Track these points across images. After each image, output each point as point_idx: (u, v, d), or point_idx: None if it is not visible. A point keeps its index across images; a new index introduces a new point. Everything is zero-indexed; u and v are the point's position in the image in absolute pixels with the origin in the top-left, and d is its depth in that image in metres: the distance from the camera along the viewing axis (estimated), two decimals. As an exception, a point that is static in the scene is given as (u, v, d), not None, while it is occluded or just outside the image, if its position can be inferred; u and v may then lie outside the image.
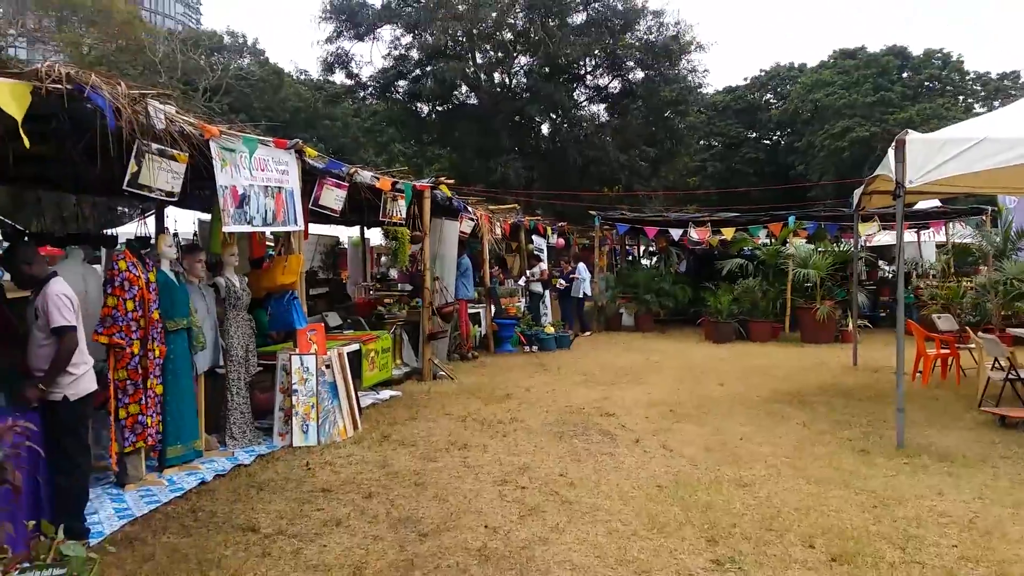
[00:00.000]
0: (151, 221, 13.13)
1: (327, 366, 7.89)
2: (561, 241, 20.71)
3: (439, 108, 24.57)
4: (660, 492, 6.13)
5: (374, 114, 27.34)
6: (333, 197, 8.63)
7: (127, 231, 12.67)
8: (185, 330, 6.71)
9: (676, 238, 19.32)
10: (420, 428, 8.25)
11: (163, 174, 5.89)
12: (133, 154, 5.61)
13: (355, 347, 8.90)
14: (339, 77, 26.73)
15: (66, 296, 4.76)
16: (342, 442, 7.63)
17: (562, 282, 17.92)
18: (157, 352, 6.31)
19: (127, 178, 5.64)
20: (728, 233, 18.69)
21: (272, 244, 11.31)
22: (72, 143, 4.91)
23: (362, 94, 25.18)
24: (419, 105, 24.81)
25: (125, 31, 36.85)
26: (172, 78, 31.45)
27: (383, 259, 25.00)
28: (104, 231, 12.96)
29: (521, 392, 10.42)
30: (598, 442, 7.72)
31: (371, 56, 57.62)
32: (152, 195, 5.86)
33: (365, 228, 20.02)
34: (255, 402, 8.45)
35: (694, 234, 18.71)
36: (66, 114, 4.58)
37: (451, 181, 11.92)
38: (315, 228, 19.62)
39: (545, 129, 25.37)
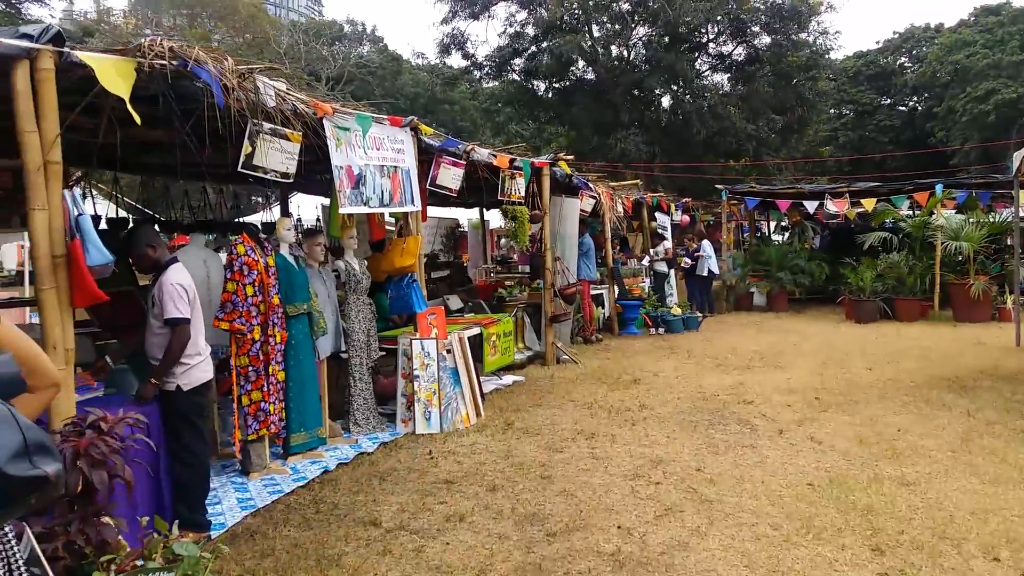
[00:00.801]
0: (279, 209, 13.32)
1: (448, 351, 7.63)
2: (686, 218, 19.88)
3: (555, 85, 24.05)
4: (812, 491, 5.52)
5: (490, 96, 27.09)
6: (450, 176, 8.34)
7: (259, 219, 12.87)
8: (306, 315, 6.56)
9: (811, 211, 18.17)
10: (544, 416, 7.89)
11: (276, 154, 5.71)
12: (246, 135, 5.45)
13: (476, 331, 8.62)
14: (456, 59, 26.74)
15: (181, 286, 4.60)
16: (465, 430, 7.35)
17: (687, 260, 17.15)
18: (278, 338, 6.17)
19: (241, 159, 5.50)
20: (868, 204, 17.39)
21: (392, 227, 11.20)
22: (182, 124, 4.73)
23: (478, 75, 24.95)
24: (535, 83, 24.35)
25: (251, 25, 38.15)
26: (296, 69, 32.26)
27: (502, 241, 24.84)
28: (235, 219, 13.25)
29: (649, 377, 9.90)
30: (737, 433, 7.14)
31: (486, 35, 57.55)
32: (267, 176, 5.69)
33: (484, 210, 19.86)
34: (379, 387, 8.31)
35: (831, 206, 17.51)
36: (172, 92, 4.39)
37: (570, 157, 11.45)
38: (435, 211, 19.60)
39: (666, 102, 24.46)
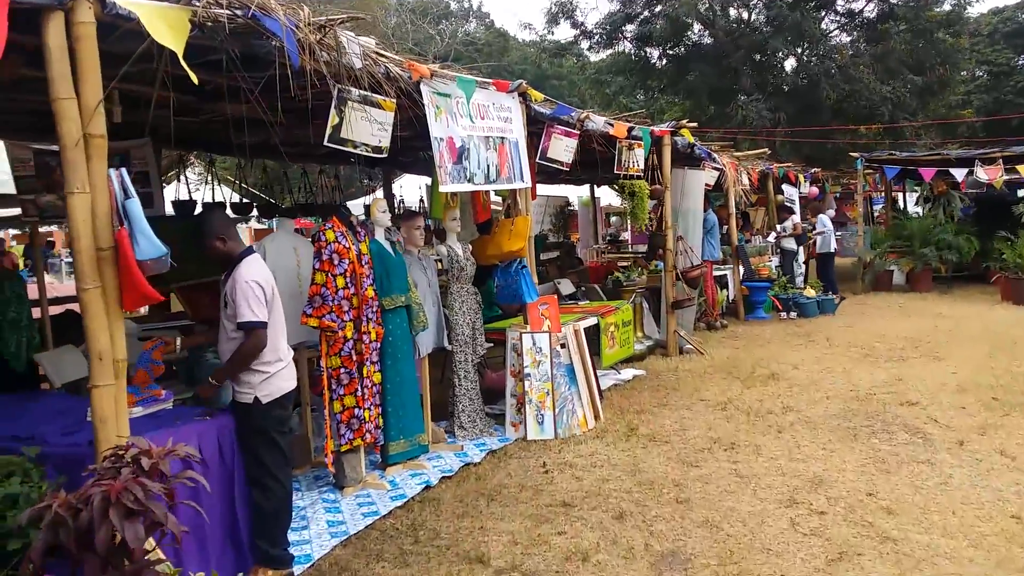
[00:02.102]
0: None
1: (562, 345, 6.78)
2: (814, 190, 18.32)
3: (669, 52, 22.66)
4: (1021, 527, 4.41)
5: (599, 70, 25.90)
6: (562, 148, 7.45)
7: (362, 203, 12.25)
8: (404, 308, 5.83)
9: (959, 179, 16.35)
10: (672, 418, 6.95)
11: (366, 125, 4.96)
12: (333, 103, 4.73)
13: (592, 321, 7.73)
14: (564, 30, 25.62)
15: (257, 284, 3.89)
16: (582, 435, 6.51)
17: (831, 236, 15.71)
18: (373, 335, 5.46)
19: (328, 132, 4.78)
20: (1024, 171, 15.44)
21: (499, 207, 10.41)
22: (249, 88, 4.01)
23: (587, 44, 23.81)
24: (648, 50, 23.00)
25: (359, 6, 38.14)
26: (403, 49, 31.91)
27: (613, 219, 23.76)
28: (339, 203, 12.72)
29: (788, 371, 8.78)
30: (906, 444, 6.02)
31: (596, 2, 55.68)
32: (356, 151, 4.95)
33: (595, 186, 18.88)
34: (487, 382, 7.58)
35: (982, 174, 15.65)
36: (238, 51, 3.66)
37: (693, 124, 10.35)
38: (543, 188, 18.75)
39: (789, 65, 22.73)
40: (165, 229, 8.41)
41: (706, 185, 11.59)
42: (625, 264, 13.57)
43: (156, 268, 3.32)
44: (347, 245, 5.30)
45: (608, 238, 21.10)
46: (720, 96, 21.82)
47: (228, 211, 9.25)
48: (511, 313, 7.46)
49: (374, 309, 5.50)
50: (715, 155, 11.60)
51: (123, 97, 5.09)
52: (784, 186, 16.44)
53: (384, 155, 5.21)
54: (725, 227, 13.66)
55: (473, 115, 5.99)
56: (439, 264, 6.80)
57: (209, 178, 9.35)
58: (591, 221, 19.95)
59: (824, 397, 7.56)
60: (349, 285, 5.28)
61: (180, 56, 3.23)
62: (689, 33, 22.69)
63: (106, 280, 3.20)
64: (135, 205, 3.24)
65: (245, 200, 10.29)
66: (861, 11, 22.93)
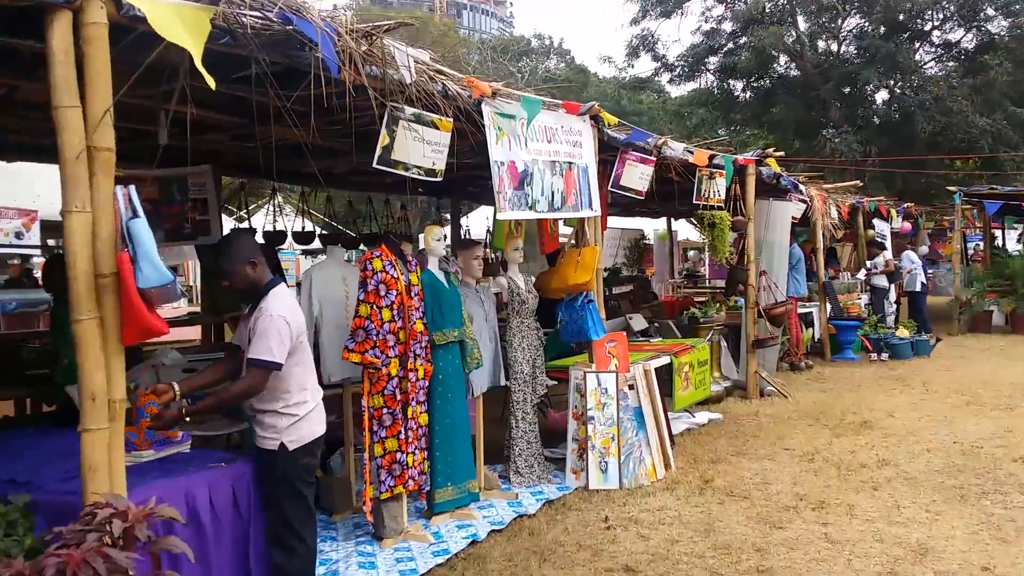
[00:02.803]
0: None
1: (630, 386, 6.25)
2: (907, 226, 17.29)
3: (754, 84, 21.94)
4: None
5: (680, 104, 25.30)
6: (637, 175, 6.97)
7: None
8: (457, 343, 5.41)
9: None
10: (752, 470, 6.31)
11: (419, 146, 4.61)
12: (384, 122, 4.39)
13: (665, 360, 7.16)
14: (645, 63, 25.29)
15: (286, 321, 3.46)
16: (650, 486, 5.93)
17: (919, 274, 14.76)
18: (421, 372, 5.05)
19: (378, 153, 4.44)
20: None
21: (567, 237, 9.95)
22: (281, 100, 3.67)
23: (668, 77, 23.28)
24: (732, 83, 22.34)
25: (441, 44, 38.54)
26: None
27: (690, 254, 22.99)
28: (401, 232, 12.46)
29: (882, 419, 8.01)
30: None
31: (679, 33, 54.99)
32: (409, 173, 4.60)
33: (672, 220, 18.25)
34: (548, 423, 7.12)
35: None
36: (270, 59, 3.32)
37: (780, 153, 9.73)
38: (617, 221, 18.20)
39: (880, 98, 21.74)
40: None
41: (792, 218, 10.93)
42: (702, 300, 12.91)
43: (163, 297, 2.97)
44: (395, 275, 4.93)
45: (685, 272, 20.38)
46: (807, 130, 20.96)
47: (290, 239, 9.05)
48: (576, 351, 6.96)
49: (423, 345, 5.09)
50: (802, 186, 10.91)
51: (175, 121, 4.90)
52: (875, 220, 15.53)
53: (438, 178, 4.84)
54: (811, 262, 12.90)
55: (538, 138, 5.58)
56: (499, 297, 6.38)
57: (273, 207, 9.18)
58: (667, 255, 19.29)
59: (924, 450, 6.80)
60: (396, 318, 4.90)
61: (198, 59, 2.90)
62: (775, 65, 21.94)
63: (105, 310, 2.86)
64: (141, 226, 2.90)
65: (312, 230, 10.11)
66: (958, 42, 21.83)
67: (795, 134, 21.81)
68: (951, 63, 22.30)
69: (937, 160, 20.49)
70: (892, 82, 20.96)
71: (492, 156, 5.10)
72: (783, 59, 22.24)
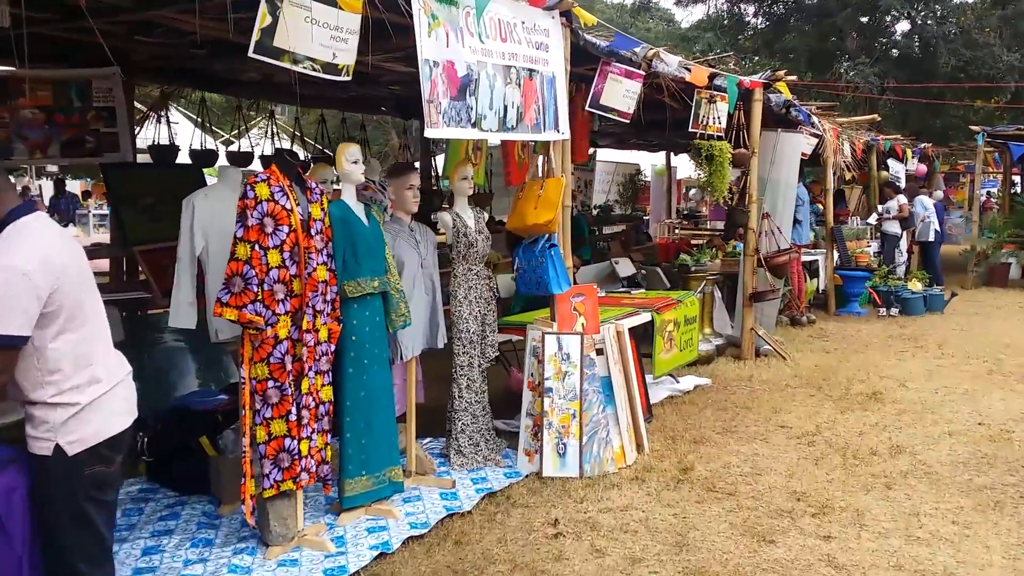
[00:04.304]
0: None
1: (598, 351, 5.14)
2: (922, 168, 16.00)
3: (767, 9, 20.33)
4: None
5: (689, 30, 23.65)
6: (621, 92, 5.73)
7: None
8: (378, 296, 4.27)
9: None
10: (740, 455, 5.25)
11: (311, 30, 3.40)
12: (262, -1, 3.19)
13: (644, 318, 6.03)
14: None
15: (22, 271, 2.29)
16: (616, 475, 4.88)
17: (932, 221, 13.56)
18: (324, 334, 3.93)
19: (254, 38, 3.25)
20: None
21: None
22: None
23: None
24: (742, 6, 20.73)
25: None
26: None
27: (691, 192, 21.66)
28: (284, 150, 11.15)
29: (893, 389, 6.93)
30: (1080, 526, 4.20)
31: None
32: (298, 67, 3.41)
33: (672, 154, 16.95)
34: (509, 384, 6.08)
35: None
36: None
37: (792, 78, 8.44)
38: (610, 154, 16.90)
39: (901, 28, 20.16)
40: (132, 178, 6.96)
41: (803, 155, 9.67)
42: (699, 243, 11.74)
43: None
44: (288, 206, 3.76)
45: (686, 212, 19.15)
46: (821, 60, 19.45)
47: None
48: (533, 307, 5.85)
49: (328, 298, 3.95)
50: (815, 118, 9.62)
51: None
52: (890, 161, 14.25)
53: (344, 77, 3.64)
54: (818, 205, 11.70)
55: (489, 34, 4.34)
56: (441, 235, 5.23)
57: (201, 123, 7.91)
58: (665, 193, 18.06)
59: (945, 432, 5.74)
60: (288, 263, 3.75)
61: None
62: (791, -11, 20.33)
63: None
64: None
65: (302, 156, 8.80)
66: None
67: (808, 65, 20.31)
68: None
69: (956, 98, 19.07)
70: (914, 10, 19.36)
71: (421, 53, 3.87)
72: (799, -19, 20.61)
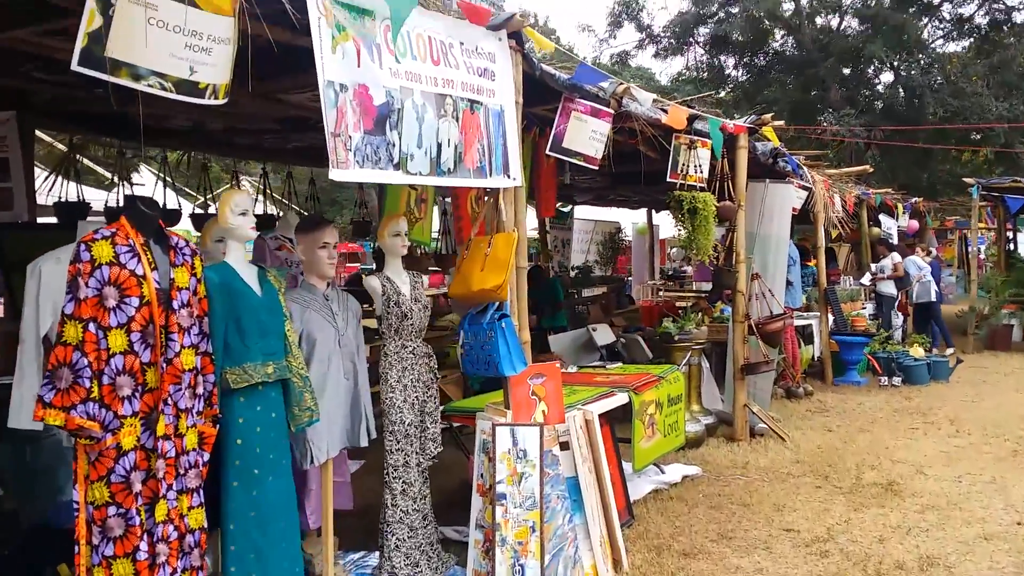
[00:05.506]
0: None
1: (563, 445, 4.18)
2: (914, 223, 15.30)
3: (747, 61, 19.89)
4: None
5: (668, 83, 23.28)
6: (587, 134, 4.86)
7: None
8: (274, 385, 3.31)
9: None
10: (741, 571, 4.26)
11: (159, 38, 2.51)
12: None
13: (621, 400, 5.07)
14: (628, 33, 23.25)
15: None
16: (587, 606, 3.87)
17: (929, 281, 12.78)
18: (192, 440, 2.96)
19: (79, 44, 2.37)
20: None
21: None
22: None
23: (654, 50, 21.13)
24: (722, 58, 20.28)
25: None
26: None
27: (673, 251, 20.84)
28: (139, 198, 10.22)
29: (910, 476, 5.98)
30: None
31: (665, 1, 52.19)
32: (141, 85, 2.51)
33: (654, 212, 16.19)
34: (468, 474, 5.08)
35: None
36: None
37: (780, 123, 7.67)
38: (588, 211, 16.05)
39: (885, 79, 19.74)
40: (26, 241, 5.92)
41: (792, 209, 8.85)
42: (685, 305, 10.85)
43: None
44: (140, 272, 2.82)
45: (670, 272, 18.32)
46: (804, 111, 18.93)
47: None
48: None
49: (201, 391, 2.99)
50: (805, 169, 8.83)
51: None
52: (882, 216, 13.51)
53: (215, 100, 2.74)
54: (813, 265, 10.88)
55: (416, 54, 3.47)
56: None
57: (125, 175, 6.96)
58: (647, 253, 17.26)
59: (980, 536, 4.78)
60: (138, 347, 2.79)
61: None
62: (770, 40, 19.95)
63: None
64: None
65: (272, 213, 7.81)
66: (972, 16, 19.81)
67: (791, 117, 19.85)
68: (964, 41, 20.39)
69: (943, 151, 18.57)
70: (898, 61, 18.95)
71: (323, 73, 2.98)
72: (779, 33, 20.26)
